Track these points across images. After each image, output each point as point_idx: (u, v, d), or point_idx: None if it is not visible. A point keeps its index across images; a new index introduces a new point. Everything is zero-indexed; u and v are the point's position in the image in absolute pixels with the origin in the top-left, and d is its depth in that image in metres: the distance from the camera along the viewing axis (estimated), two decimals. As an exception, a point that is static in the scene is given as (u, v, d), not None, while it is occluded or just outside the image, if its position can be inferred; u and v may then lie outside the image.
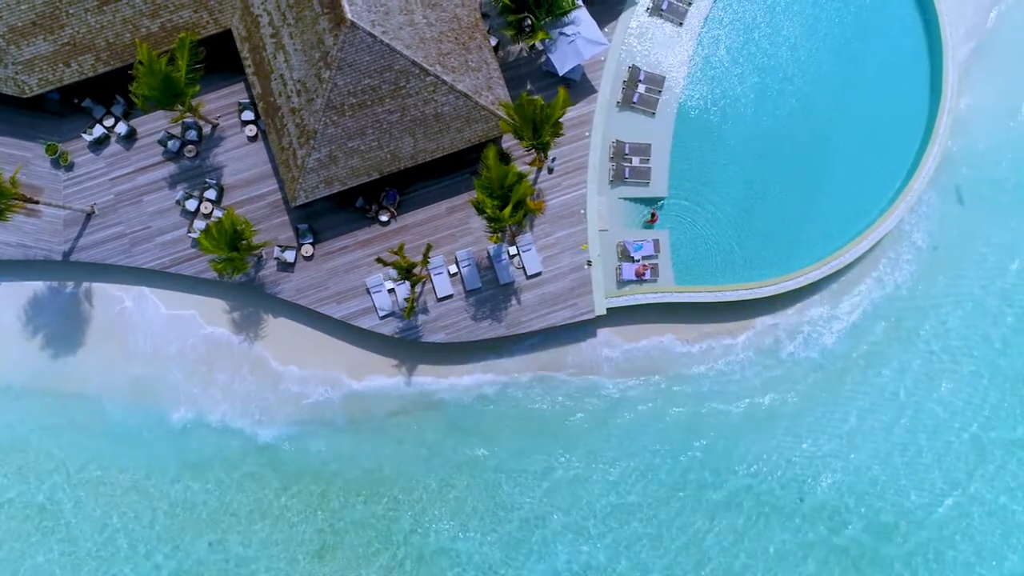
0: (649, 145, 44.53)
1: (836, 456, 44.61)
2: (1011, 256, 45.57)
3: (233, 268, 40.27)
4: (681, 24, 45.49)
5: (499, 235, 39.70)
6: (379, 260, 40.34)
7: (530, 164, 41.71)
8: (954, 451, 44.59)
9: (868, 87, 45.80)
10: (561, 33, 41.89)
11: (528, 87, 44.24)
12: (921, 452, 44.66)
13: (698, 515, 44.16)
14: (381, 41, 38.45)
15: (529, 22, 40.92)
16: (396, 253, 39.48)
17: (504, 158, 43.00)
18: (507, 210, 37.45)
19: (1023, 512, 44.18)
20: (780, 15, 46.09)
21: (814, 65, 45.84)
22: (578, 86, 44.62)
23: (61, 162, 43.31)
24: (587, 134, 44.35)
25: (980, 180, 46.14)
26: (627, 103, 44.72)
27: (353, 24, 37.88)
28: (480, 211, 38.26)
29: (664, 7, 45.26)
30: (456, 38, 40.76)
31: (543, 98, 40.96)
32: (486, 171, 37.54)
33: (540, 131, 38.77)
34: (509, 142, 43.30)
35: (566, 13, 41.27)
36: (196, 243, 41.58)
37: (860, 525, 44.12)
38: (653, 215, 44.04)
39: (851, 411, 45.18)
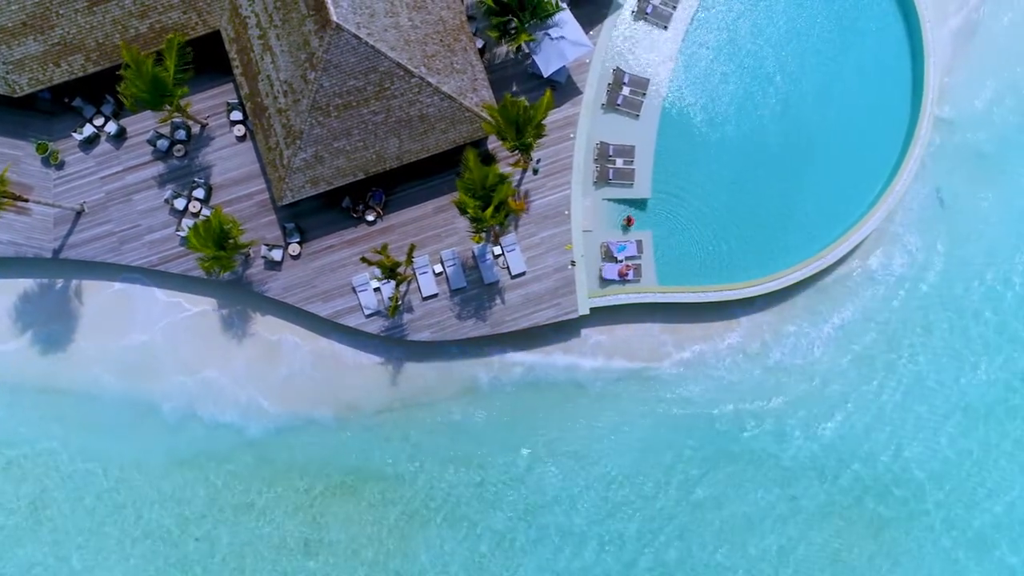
0: (633, 147, 45.01)
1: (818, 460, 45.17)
2: (989, 258, 46.01)
3: (220, 266, 40.79)
4: (666, 27, 45.95)
5: (482, 235, 40.19)
6: (364, 259, 40.84)
7: (513, 165, 42.20)
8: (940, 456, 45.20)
9: (851, 89, 46.28)
10: (545, 35, 42.37)
11: (514, 89, 44.72)
12: (904, 451, 45.21)
13: (682, 510, 44.70)
14: (366, 43, 38.95)
15: (513, 24, 41.38)
16: (380, 252, 39.98)
17: (489, 159, 43.56)
18: (489, 210, 37.96)
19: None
20: (763, 19, 46.56)
21: (797, 68, 46.32)
22: (563, 88, 45.09)
23: (51, 161, 43.84)
24: (572, 135, 44.84)
25: (961, 180, 46.49)
26: (612, 105, 45.19)
27: (338, 26, 38.37)
28: (463, 211, 38.76)
29: (649, 11, 45.72)
30: (441, 40, 41.24)
31: (528, 100, 41.58)
32: (467, 172, 38.07)
33: (523, 133, 39.27)
34: (495, 143, 43.76)
35: (550, 15, 41.75)
36: (184, 241, 42.08)
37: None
38: (629, 219, 44.45)
39: (837, 413, 45.64)
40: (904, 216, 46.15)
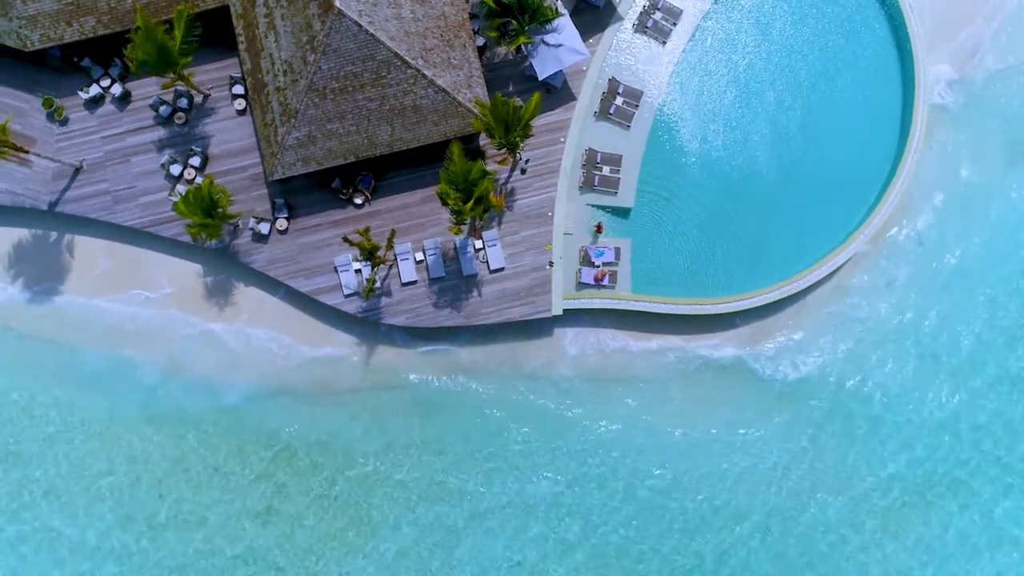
0: (621, 156, 46.00)
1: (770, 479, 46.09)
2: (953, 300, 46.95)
3: (207, 234, 42.02)
4: (664, 43, 46.92)
5: (461, 227, 41.23)
6: (345, 239, 41.93)
7: (499, 163, 43.23)
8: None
9: (840, 121, 47.17)
10: (544, 40, 43.41)
11: (510, 89, 45.76)
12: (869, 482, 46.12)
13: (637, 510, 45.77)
14: (366, 31, 40.10)
15: (512, 26, 42.42)
16: (361, 235, 41.08)
17: (478, 155, 44.63)
18: (469, 204, 39.01)
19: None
20: (762, 44, 47.48)
21: (790, 95, 47.26)
22: (559, 93, 46.13)
23: (56, 116, 45.15)
24: (562, 139, 45.86)
25: (940, 222, 47.26)
26: (604, 114, 46.19)
27: (340, 12, 39.54)
28: (444, 202, 39.85)
29: (649, 25, 46.70)
30: (441, 35, 42.34)
31: (522, 101, 42.62)
32: (452, 164, 39.14)
33: (511, 131, 40.33)
34: (486, 140, 44.80)
35: (549, 21, 42.79)
36: (174, 206, 43.27)
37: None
38: (599, 226, 45.42)
39: (804, 435, 46.46)
40: (883, 246, 46.85)
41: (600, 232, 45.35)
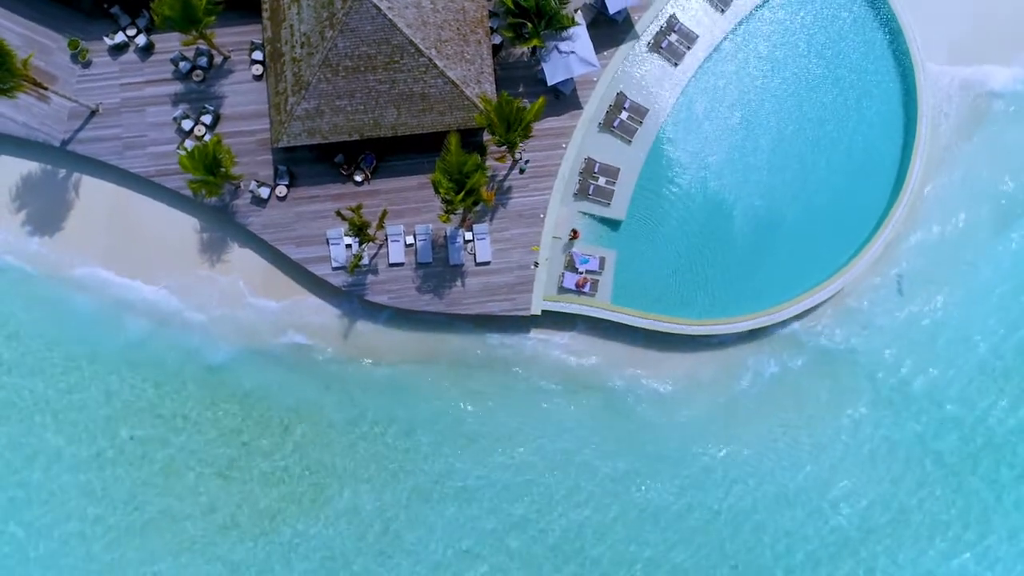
0: (619, 169, 46.97)
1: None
2: (931, 350, 47.61)
3: (207, 191, 43.30)
4: (676, 64, 47.85)
5: (450, 217, 42.32)
6: (338, 213, 43.09)
7: (497, 159, 44.28)
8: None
9: (838, 165, 48.00)
10: (557, 46, 44.46)
11: (520, 90, 46.80)
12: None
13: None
14: (385, 15, 41.29)
15: (527, 29, 43.46)
16: (353, 211, 42.22)
17: (480, 150, 45.70)
18: (460, 195, 40.09)
19: None
20: (772, 80, 48.38)
21: (793, 133, 48.10)
22: (567, 100, 47.18)
23: (80, 58, 46.58)
24: (564, 145, 46.89)
25: (924, 272, 47.97)
26: (608, 126, 47.17)
27: (363, -6, 40.78)
28: (436, 190, 40.95)
29: (664, 45, 47.64)
30: (458, 28, 43.47)
31: (528, 102, 43.65)
32: (448, 155, 40.23)
33: (511, 130, 41.39)
34: (488, 137, 45.83)
35: (564, 28, 43.83)
36: (180, 160, 44.55)
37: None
38: (574, 232, 46.28)
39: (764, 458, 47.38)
40: (860, 292, 47.62)
41: (576, 238, 46.26)
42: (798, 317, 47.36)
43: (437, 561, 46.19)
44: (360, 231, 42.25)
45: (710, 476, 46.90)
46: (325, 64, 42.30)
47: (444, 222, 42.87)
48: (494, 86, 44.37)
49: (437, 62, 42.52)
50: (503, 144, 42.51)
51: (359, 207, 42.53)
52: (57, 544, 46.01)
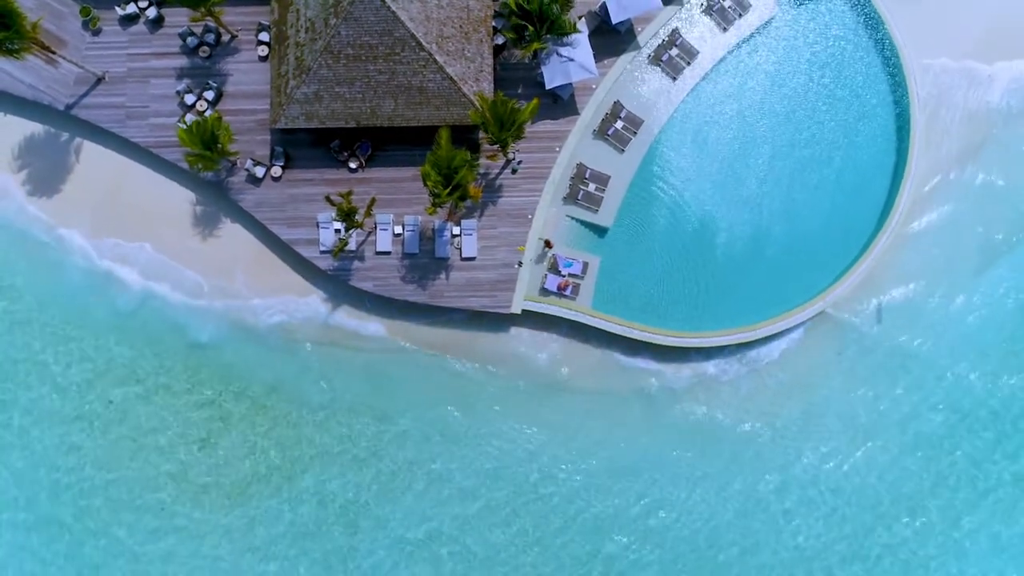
0: (609, 177, 47.59)
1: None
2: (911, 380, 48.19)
3: (203, 165, 44.10)
4: (675, 79, 48.43)
5: (438, 209, 43.02)
6: (327, 198, 43.83)
7: (488, 157, 44.94)
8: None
9: (826, 191, 48.50)
10: (557, 51, 45.10)
11: (519, 91, 47.43)
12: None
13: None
14: (388, 7, 42.03)
15: (528, 31, 44.09)
16: (343, 196, 42.94)
17: (474, 147, 46.37)
18: (447, 189, 40.78)
19: None
20: (769, 102, 48.93)
21: (785, 156, 48.60)
22: (565, 104, 47.82)
23: (91, 26, 47.48)
24: (557, 149, 47.54)
25: (902, 303, 48.47)
26: (602, 133, 47.79)
27: (367, -16, 41.49)
28: (425, 182, 41.65)
29: (664, 58, 48.23)
30: (461, 26, 44.16)
31: (525, 104, 44.28)
32: (438, 149, 40.93)
33: (504, 130, 42.06)
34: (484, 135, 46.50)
35: (566, 34, 44.45)
36: (178, 132, 45.35)
37: None
38: (547, 242, 46.88)
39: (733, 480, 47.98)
40: (838, 318, 48.14)
41: (549, 248, 46.81)
42: (774, 337, 47.87)
43: (401, 539, 46.87)
44: (347, 217, 42.98)
45: (676, 481, 47.59)
46: (327, 51, 43.05)
47: (431, 214, 43.58)
48: (492, 85, 45.05)
49: (437, 57, 43.22)
50: (496, 143, 43.15)
51: (348, 193, 43.26)
52: (30, 491, 47.12)
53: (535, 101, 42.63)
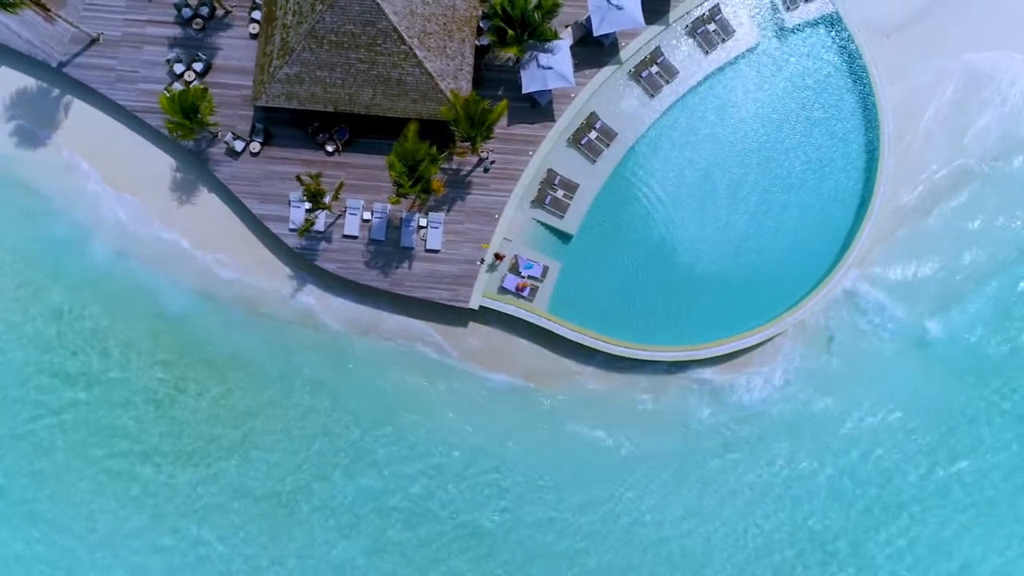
0: (578, 185, 48.50)
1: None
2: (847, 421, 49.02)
3: (182, 133, 45.28)
4: (653, 96, 49.26)
5: (401, 200, 44.06)
6: (298, 177, 44.93)
7: (457, 154, 45.93)
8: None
9: (792, 218, 49.31)
10: (537, 57, 46.02)
11: (499, 92, 48.34)
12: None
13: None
14: (374, -1, 43.13)
15: (509, 35, 45.01)
16: (312, 177, 44.03)
17: (449, 142, 47.33)
18: (410, 181, 41.82)
19: None
20: (744, 126, 49.79)
21: (754, 179, 49.40)
22: (542, 110, 48.77)
23: (91, -13, 48.80)
24: (530, 152, 48.49)
25: (854, 333, 49.21)
26: (576, 142, 48.71)
27: (355, -26, 42.54)
28: (390, 172, 42.69)
29: (644, 75, 49.09)
30: (444, 24, 45.17)
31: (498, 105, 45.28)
32: (404, 141, 41.97)
33: (474, 129, 43.06)
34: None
35: (547, 41, 45.38)
36: (160, 99, 46.53)
37: None
38: (498, 255, 47.74)
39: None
40: (786, 345, 48.94)
41: (500, 261, 47.72)
42: (727, 357, 48.73)
43: (339, 513, 48.09)
44: (314, 198, 44.05)
45: (621, 473, 48.76)
46: (311, 35, 44.14)
47: (393, 204, 44.59)
48: (471, 84, 46.03)
49: (417, 52, 44.25)
50: (465, 140, 44.15)
51: (318, 175, 44.36)
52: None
53: (504, 103, 43.63)
